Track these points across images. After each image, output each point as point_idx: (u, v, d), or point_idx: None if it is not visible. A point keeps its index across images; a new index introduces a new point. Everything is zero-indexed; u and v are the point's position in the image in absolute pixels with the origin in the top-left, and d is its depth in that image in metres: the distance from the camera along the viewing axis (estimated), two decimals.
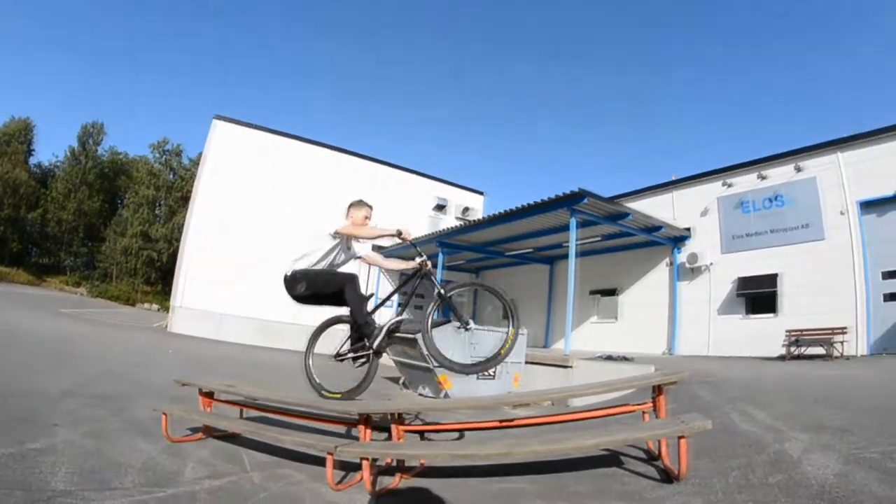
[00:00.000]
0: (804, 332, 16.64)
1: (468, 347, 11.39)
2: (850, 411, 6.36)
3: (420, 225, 24.56)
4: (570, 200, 15.22)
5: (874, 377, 10.39)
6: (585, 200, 15.20)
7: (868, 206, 17.91)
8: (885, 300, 17.30)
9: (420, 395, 11.99)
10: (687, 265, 19.76)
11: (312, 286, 5.48)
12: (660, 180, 22.85)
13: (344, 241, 5.75)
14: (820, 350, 16.15)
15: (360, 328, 5.53)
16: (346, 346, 5.77)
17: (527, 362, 12.61)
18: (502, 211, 17.79)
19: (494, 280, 26.91)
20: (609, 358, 13.93)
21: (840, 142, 18.57)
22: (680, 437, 4.08)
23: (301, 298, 5.57)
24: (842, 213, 17.97)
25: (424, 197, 27.34)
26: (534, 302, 24.27)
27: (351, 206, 6.07)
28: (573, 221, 15.64)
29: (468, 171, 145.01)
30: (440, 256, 20.42)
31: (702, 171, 21.22)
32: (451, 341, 11.40)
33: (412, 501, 4.52)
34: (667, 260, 20.71)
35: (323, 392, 5.72)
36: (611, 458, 5.17)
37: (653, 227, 18.92)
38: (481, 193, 31.18)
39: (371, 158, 26.55)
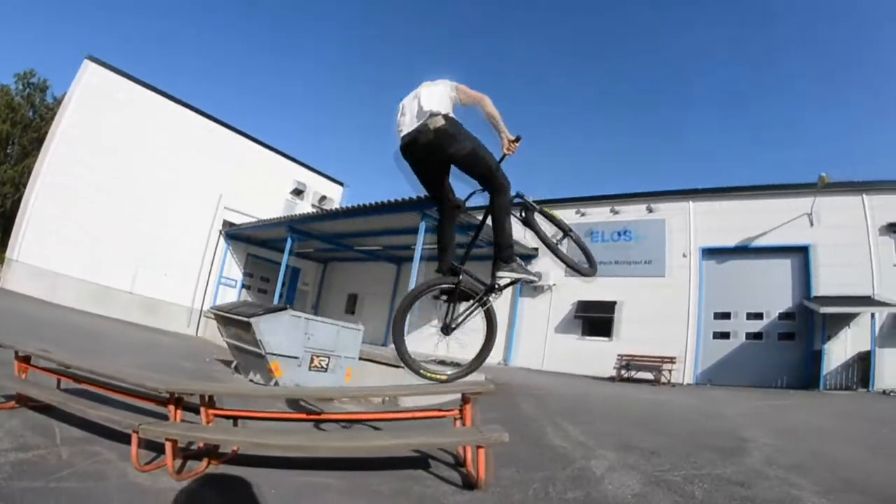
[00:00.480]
0: (636, 358, 17.57)
1: (303, 338, 10.93)
2: (663, 435, 6.44)
3: (276, 207, 23.77)
4: (423, 205, 14.66)
5: (694, 406, 10.84)
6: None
7: (710, 252, 19.41)
8: (714, 337, 18.90)
9: (251, 381, 11.33)
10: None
11: (474, 156, 3.72)
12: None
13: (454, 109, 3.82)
14: (649, 375, 17.24)
15: (500, 251, 3.85)
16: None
17: (361, 358, 12.24)
18: (357, 205, 17.06)
19: (340, 273, 26.76)
20: (441, 362, 13.74)
21: (693, 192, 20.06)
22: (478, 447, 3.93)
23: (433, 164, 3.84)
24: (684, 256, 19.31)
25: (284, 179, 25.77)
26: (377, 299, 23.84)
27: (438, 81, 3.86)
28: (423, 225, 15.34)
29: (331, 159, 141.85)
30: (289, 241, 19.39)
31: (562, 196, 21.95)
32: (285, 331, 10.90)
33: (215, 487, 4.26)
34: None
35: (432, 375, 4.27)
36: (420, 461, 4.82)
37: None
38: (341, 184, 29.50)
39: (239, 131, 24.29)
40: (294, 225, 18.88)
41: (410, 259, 18.40)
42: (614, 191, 20.98)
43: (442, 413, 4.86)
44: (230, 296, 21.92)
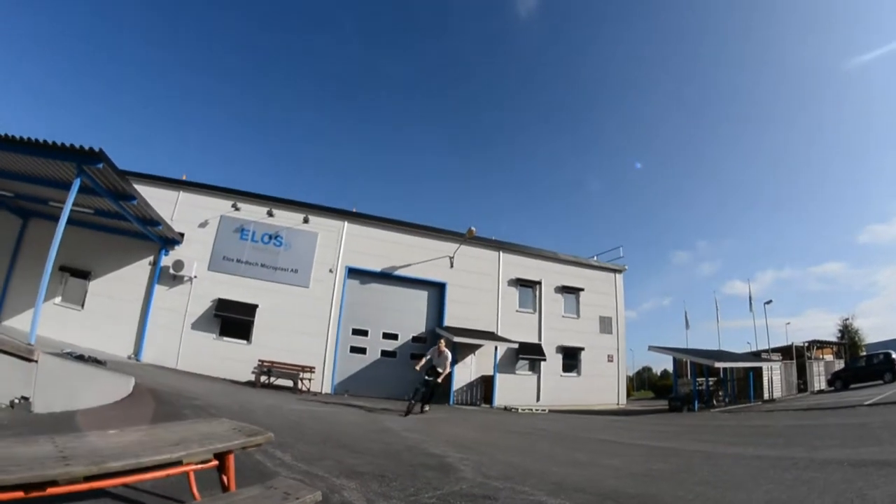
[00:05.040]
0: (276, 364, 16.64)
1: None
2: (367, 455, 6.00)
3: None
4: (84, 157, 11.36)
5: (358, 419, 10.74)
6: (101, 165, 11.61)
7: (354, 272, 20.20)
8: (351, 351, 19.57)
9: None
10: (171, 271, 17.75)
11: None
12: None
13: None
14: (288, 382, 16.63)
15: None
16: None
17: None
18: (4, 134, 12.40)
19: None
20: (80, 358, 11.00)
21: (349, 214, 20.98)
22: None
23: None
24: (330, 271, 19.66)
25: None
26: None
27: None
28: (78, 182, 11.64)
29: None
30: None
31: (218, 185, 19.97)
32: None
33: None
34: (151, 258, 18.09)
35: None
36: None
37: (151, 221, 16.27)
38: None
39: None
40: None
41: (45, 216, 15.04)
42: (271, 193, 20.33)
43: (189, 467, 2.90)
44: None
